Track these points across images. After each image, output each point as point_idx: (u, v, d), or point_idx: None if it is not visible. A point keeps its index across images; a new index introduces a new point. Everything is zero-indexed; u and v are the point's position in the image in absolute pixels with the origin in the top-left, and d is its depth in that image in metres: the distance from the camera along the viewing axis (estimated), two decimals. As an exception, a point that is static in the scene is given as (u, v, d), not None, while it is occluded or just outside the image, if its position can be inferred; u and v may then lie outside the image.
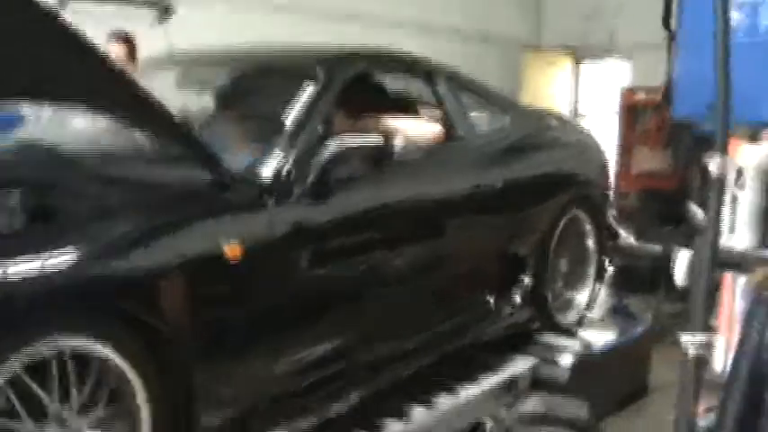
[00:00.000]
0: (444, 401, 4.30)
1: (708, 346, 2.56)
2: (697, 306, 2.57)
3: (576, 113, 11.91)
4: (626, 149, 10.45)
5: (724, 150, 2.52)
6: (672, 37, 2.86)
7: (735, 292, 2.91)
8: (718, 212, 2.56)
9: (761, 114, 2.72)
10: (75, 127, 3.93)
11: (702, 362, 2.62)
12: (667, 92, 2.85)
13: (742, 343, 2.66)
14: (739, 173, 2.68)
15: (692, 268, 2.96)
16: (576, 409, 3.46)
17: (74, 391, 2.88)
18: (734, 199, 2.67)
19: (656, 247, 7.77)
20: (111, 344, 2.93)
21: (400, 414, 4.11)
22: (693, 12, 2.81)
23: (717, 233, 2.55)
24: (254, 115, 4.14)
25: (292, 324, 3.58)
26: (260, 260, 3.36)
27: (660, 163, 10.14)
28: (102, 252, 2.94)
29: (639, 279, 8.01)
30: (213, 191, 3.40)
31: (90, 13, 7.05)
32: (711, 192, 2.54)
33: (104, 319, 2.94)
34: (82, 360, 2.89)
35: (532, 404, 3.44)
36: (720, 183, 2.54)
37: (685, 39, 2.88)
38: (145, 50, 6.09)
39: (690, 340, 2.58)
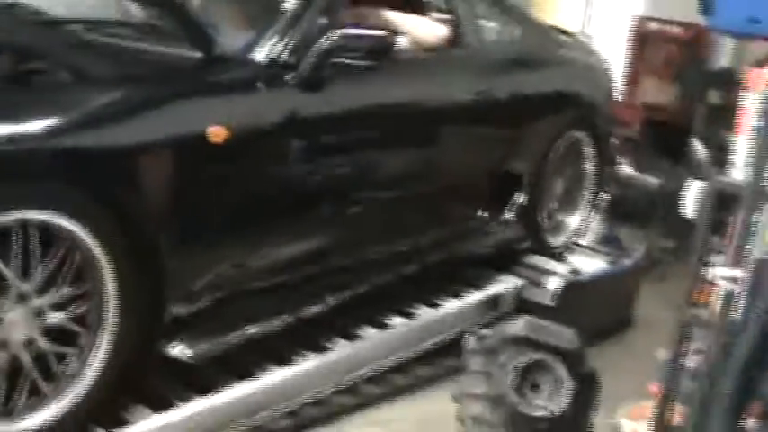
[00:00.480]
0: (425, 313, 4.20)
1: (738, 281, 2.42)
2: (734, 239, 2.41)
3: (584, 34, 11.66)
4: (632, 79, 10.25)
5: None
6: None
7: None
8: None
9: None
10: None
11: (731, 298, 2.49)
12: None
13: (753, 293, 2.51)
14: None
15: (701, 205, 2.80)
16: (564, 335, 3.33)
17: (37, 266, 2.73)
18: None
19: (655, 180, 7.67)
20: (82, 220, 2.77)
21: (379, 324, 3.99)
22: None
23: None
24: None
25: (273, 218, 3.44)
26: (245, 146, 3.19)
27: (666, 96, 9.98)
28: (77, 123, 2.76)
29: (634, 210, 7.91)
30: (203, 69, 3.25)
31: None
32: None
33: (75, 193, 2.77)
34: (47, 234, 2.73)
35: (517, 327, 3.31)
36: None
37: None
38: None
39: (723, 274, 2.42)
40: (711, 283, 2.93)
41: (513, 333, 3.28)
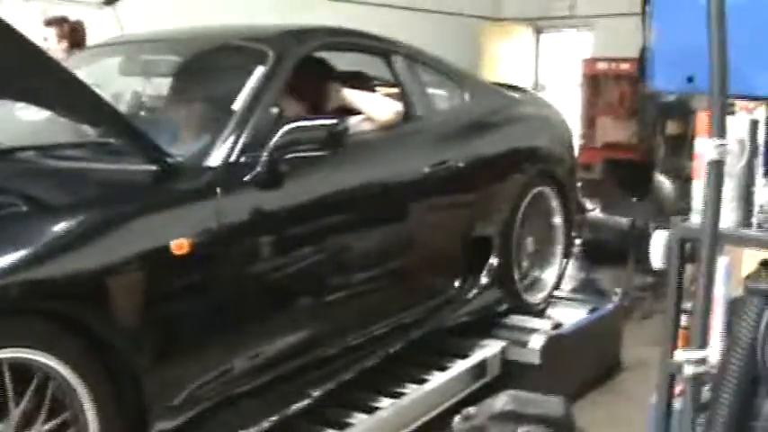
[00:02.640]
0: (413, 391, 4.15)
1: (706, 362, 2.39)
2: (697, 321, 2.39)
3: (537, 85, 11.78)
4: (589, 121, 10.37)
5: (722, 133, 2.32)
6: (645, 2, 2.70)
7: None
8: (717, 202, 2.37)
9: (752, 88, 2.54)
10: (9, 119, 3.73)
11: (701, 380, 2.45)
12: (642, 62, 2.70)
13: (732, 339, 2.51)
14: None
15: (668, 255, 2.80)
16: (550, 404, 3.31)
17: (13, 404, 2.68)
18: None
19: (624, 220, 7.69)
20: (53, 352, 2.74)
21: (368, 408, 3.94)
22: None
23: (716, 228, 2.36)
24: (203, 100, 3.95)
25: (249, 319, 3.42)
26: (211, 253, 3.18)
27: (625, 133, 10.09)
28: (38, 253, 2.74)
29: (607, 252, 7.92)
30: (158, 182, 3.22)
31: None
32: (708, 179, 2.35)
33: (44, 325, 2.74)
34: (20, 369, 2.69)
35: (502, 401, 3.29)
36: (718, 168, 2.35)
37: (661, 3, 2.70)
38: (99, 35, 5.85)
39: (687, 357, 2.40)
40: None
41: (498, 409, 3.26)
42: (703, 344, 2.37)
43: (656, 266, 2.93)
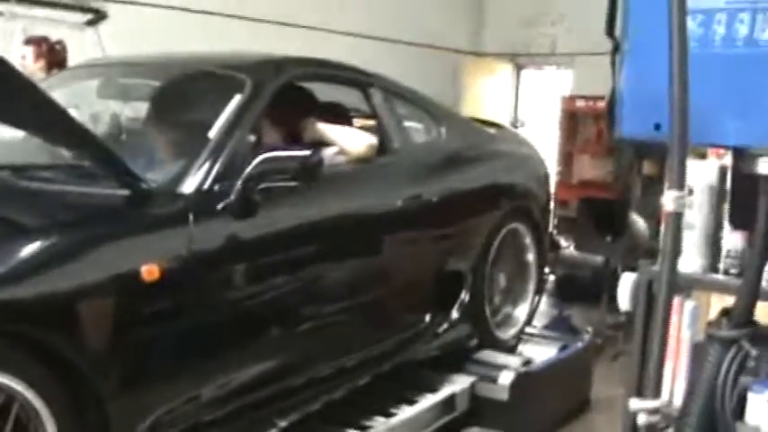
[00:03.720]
0: (380, 425, 4.13)
1: (659, 412, 2.39)
2: (651, 369, 2.39)
3: (516, 121, 11.83)
4: (566, 158, 10.41)
5: (681, 185, 2.33)
6: (616, 47, 2.72)
7: (681, 318, 2.76)
8: (676, 253, 2.38)
9: (720, 137, 2.55)
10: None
11: (655, 429, 2.45)
12: (611, 108, 2.72)
13: (693, 385, 2.52)
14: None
15: (635, 297, 2.82)
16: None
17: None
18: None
19: (597, 258, 7.73)
20: (17, 374, 2.72)
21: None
22: (641, 18, 2.65)
23: (673, 278, 2.37)
24: (179, 126, 3.94)
25: (218, 347, 3.40)
26: (181, 280, 3.17)
27: (601, 172, 10.13)
28: (6, 274, 2.73)
29: (580, 289, 7.95)
30: (130, 207, 3.22)
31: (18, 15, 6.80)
32: (667, 230, 2.36)
33: (8, 347, 2.72)
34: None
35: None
36: (678, 220, 2.35)
37: (631, 49, 2.72)
38: (80, 56, 5.85)
39: (641, 407, 2.40)
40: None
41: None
42: (657, 393, 2.37)
43: (623, 308, 2.95)
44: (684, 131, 2.23)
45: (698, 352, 2.68)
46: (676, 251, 2.37)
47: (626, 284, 2.90)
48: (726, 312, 2.57)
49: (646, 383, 2.39)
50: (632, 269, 2.97)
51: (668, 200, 2.33)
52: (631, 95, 2.76)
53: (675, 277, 2.35)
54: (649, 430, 2.39)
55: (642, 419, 2.38)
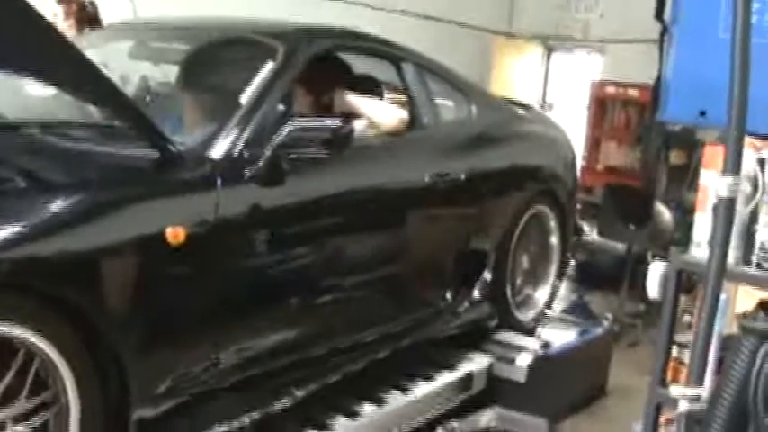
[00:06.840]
0: (396, 399, 4.14)
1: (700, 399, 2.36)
2: (695, 358, 2.36)
3: (544, 103, 11.76)
4: (594, 143, 10.34)
5: (736, 171, 2.28)
6: (665, 31, 2.68)
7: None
8: (726, 239, 2.34)
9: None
10: (13, 93, 3.71)
11: (695, 418, 2.43)
12: (656, 91, 2.68)
13: (725, 376, 2.49)
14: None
15: (665, 286, 2.78)
16: (533, 424, 3.30)
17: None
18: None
19: (619, 246, 7.69)
20: (38, 328, 2.72)
21: (350, 412, 3.93)
22: (693, 4, 2.61)
23: (723, 266, 2.33)
24: (211, 90, 3.94)
25: (238, 313, 3.40)
26: (205, 245, 3.16)
27: (628, 159, 10.06)
28: (32, 230, 2.73)
29: (601, 276, 7.92)
30: (158, 169, 3.21)
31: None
32: (719, 216, 2.32)
33: (30, 301, 2.73)
34: (2, 344, 2.68)
35: (487, 418, 3.27)
36: (730, 205, 2.31)
37: (681, 34, 2.68)
38: (113, 16, 5.83)
39: (683, 393, 2.38)
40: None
41: (482, 425, 3.25)
42: (700, 381, 2.35)
43: (651, 296, 2.92)
44: (742, 118, 2.19)
45: (728, 344, 2.64)
46: (728, 236, 2.33)
47: (656, 272, 2.87)
48: (762, 305, 2.54)
49: (690, 371, 2.36)
50: (662, 258, 2.95)
51: (722, 185, 2.29)
52: (678, 80, 2.73)
53: (725, 265, 2.32)
54: (690, 417, 2.37)
55: (684, 406, 2.37)
